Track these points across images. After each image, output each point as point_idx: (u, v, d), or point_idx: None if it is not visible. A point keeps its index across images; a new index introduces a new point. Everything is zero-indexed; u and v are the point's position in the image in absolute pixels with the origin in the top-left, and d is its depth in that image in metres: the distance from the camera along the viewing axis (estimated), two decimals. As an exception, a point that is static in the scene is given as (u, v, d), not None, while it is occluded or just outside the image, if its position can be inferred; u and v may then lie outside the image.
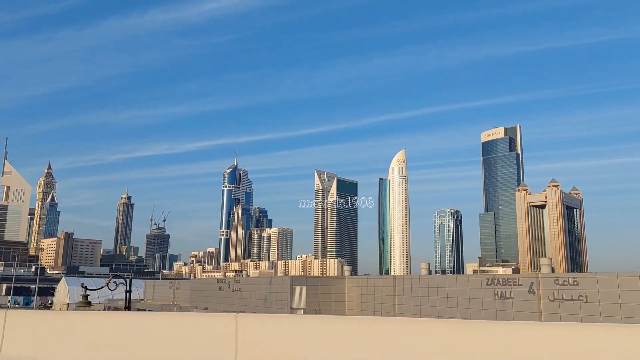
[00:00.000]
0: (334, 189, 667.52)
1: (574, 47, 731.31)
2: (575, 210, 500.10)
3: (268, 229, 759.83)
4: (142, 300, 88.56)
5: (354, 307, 52.90)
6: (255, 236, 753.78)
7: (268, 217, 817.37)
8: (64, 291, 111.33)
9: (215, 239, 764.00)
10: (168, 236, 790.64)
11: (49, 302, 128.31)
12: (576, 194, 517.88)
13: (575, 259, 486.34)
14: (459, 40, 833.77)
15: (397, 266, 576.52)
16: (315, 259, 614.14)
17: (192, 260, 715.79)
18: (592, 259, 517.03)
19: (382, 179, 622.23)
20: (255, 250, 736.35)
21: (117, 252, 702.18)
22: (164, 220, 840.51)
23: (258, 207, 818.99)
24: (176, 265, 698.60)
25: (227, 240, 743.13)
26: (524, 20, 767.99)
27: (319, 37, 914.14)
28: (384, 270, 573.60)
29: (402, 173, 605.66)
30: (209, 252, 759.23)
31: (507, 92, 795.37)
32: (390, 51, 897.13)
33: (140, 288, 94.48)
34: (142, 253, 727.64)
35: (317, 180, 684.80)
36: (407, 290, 49.01)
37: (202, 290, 72.19)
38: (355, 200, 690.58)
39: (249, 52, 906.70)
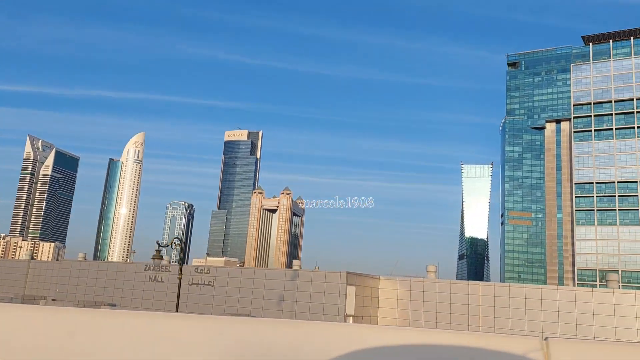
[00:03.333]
0: (50, 161, 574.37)
1: (314, 74, 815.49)
2: (299, 217, 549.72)
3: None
4: None
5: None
6: None
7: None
8: None
9: None
10: None
11: None
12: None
13: (291, 257, 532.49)
14: (222, 38, 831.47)
15: (116, 256, 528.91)
16: (18, 239, 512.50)
17: None
18: (304, 259, 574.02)
19: (113, 160, 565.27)
20: None
21: None
22: None
23: None
24: None
25: None
26: (284, 37, 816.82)
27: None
28: (99, 257, 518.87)
29: (137, 157, 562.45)
30: None
31: (252, 98, 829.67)
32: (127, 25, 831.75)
33: None
34: None
35: (28, 148, 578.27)
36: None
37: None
38: (75, 178, 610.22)
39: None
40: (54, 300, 52.05)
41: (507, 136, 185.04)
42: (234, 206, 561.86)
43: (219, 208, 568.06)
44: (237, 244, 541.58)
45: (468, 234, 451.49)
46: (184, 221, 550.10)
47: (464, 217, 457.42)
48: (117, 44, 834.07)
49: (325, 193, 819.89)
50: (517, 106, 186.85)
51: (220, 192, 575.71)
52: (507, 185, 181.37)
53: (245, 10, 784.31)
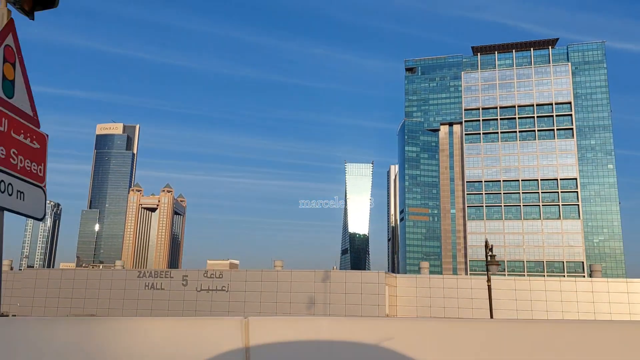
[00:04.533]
0: None
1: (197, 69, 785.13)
2: (180, 216, 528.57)
3: None
4: None
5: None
6: None
7: None
8: None
9: None
10: None
11: None
12: (182, 201, 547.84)
13: (173, 258, 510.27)
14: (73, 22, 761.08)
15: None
16: None
17: None
18: (186, 260, 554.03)
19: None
20: None
21: None
22: None
23: None
24: None
25: None
26: (152, 28, 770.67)
27: None
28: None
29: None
30: None
31: (128, 91, 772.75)
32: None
33: None
34: None
35: None
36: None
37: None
38: None
39: None
40: (15, 315, 44.14)
41: (406, 137, 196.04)
42: (107, 205, 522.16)
43: (90, 207, 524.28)
44: (111, 246, 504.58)
45: (351, 229, 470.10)
46: (49, 222, 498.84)
47: (347, 214, 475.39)
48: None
49: (208, 191, 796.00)
50: (415, 109, 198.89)
51: (92, 190, 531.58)
52: (407, 183, 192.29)
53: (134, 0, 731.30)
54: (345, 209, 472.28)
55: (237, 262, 64.93)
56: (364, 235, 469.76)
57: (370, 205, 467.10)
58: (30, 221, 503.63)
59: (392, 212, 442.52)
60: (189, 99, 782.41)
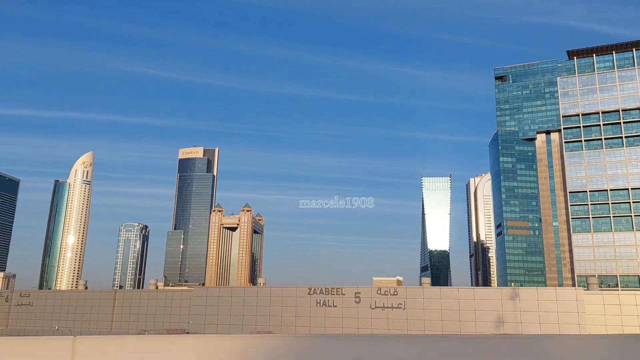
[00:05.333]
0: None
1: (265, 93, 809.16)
2: (259, 234, 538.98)
3: None
4: None
5: None
6: None
7: None
8: None
9: None
10: None
11: None
12: (260, 219, 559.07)
13: (252, 275, 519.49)
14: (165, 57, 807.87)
15: (64, 284, 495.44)
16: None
17: None
18: (264, 275, 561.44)
19: (59, 182, 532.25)
20: None
21: None
22: None
23: None
24: None
25: None
26: (237, 58, 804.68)
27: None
28: (46, 286, 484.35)
29: (86, 177, 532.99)
30: None
31: (206, 117, 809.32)
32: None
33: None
34: None
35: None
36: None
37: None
38: (15, 202, 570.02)
39: None
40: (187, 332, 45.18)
41: (500, 148, 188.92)
42: (190, 226, 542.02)
43: (175, 228, 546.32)
44: (196, 265, 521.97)
45: (431, 246, 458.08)
46: (138, 244, 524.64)
47: (426, 229, 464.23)
48: (61, 62, 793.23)
49: (284, 210, 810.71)
50: (507, 118, 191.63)
51: (176, 212, 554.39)
52: (503, 196, 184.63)
53: (200, 30, 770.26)
54: (423, 225, 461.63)
55: (401, 279, 63.67)
56: (445, 251, 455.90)
57: (450, 220, 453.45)
58: (122, 242, 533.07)
59: (474, 226, 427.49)
60: (262, 120, 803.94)
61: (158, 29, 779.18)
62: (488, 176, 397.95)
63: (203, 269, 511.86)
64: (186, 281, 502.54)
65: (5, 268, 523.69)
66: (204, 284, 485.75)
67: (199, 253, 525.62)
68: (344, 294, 41.32)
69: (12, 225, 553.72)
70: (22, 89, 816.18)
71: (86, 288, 62.78)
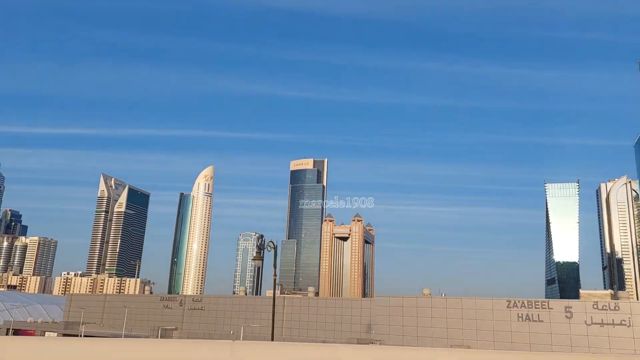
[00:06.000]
0: (123, 199, 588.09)
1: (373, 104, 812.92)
2: (370, 244, 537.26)
3: (23, 238, 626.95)
4: None
5: None
6: (5, 244, 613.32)
7: (22, 224, 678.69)
8: None
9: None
10: None
11: None
12: (370, 229, 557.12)
13: (364, 284, 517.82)
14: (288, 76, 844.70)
15: (190, 289, 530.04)
16: (104, 275, 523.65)
17: None
18: (377, 288, 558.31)
19: (184, 194, 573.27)
20: (0, 262, 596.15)
21: None
22: None
23: (10, 209, 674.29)
24: None
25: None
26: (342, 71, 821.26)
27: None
28: (174, 292, 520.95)
29: (208, 190, 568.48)
30: None
31: (316, 130, 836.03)
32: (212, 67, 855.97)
33: None
34: None
35: (102, 186, 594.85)
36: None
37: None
38: (146, 214, 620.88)
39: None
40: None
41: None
42: (303, 235, 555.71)
43: (288, 238, 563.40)
44: (308, 274, 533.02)
45: (557, 257, 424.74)
46: (255, 252, 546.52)
47: (551, 240, 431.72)
48: (182, 86, 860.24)
49: (395, 221, 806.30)
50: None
51: (289, 222, 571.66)
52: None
53: (303, 45, 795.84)
54: (548, 234, 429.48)
55: (613, 292, 58.53)
56: (574, 262, 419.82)
57: (578, 229, 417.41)
58: (240, 251, 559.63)
59: (607, 236, 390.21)
60: (369, 131, 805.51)
61: (265, 48, 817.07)
62: (623, 180, 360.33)
63: (316, 277, 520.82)
64: (300, 290, 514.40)
65: (138, 275, 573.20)
66: (317, 294, 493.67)
67: (311, 262, 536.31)
68: (552, 308, 37.55)
69: (143, 236, 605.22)
70: (149, 110, 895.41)
71: (246, 294, 64.53)
